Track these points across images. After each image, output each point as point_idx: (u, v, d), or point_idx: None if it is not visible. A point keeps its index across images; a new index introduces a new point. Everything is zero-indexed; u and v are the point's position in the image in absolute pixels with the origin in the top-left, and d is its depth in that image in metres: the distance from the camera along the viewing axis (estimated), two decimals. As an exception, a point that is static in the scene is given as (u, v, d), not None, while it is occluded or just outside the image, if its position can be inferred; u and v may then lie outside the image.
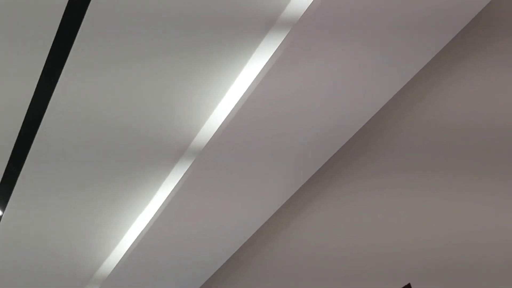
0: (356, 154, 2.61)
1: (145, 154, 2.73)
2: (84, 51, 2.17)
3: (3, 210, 2.83)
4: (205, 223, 3.07)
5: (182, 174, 2.74)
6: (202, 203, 2.89)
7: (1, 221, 2.91)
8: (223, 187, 2.80)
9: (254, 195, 2.93)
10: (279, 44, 2.16)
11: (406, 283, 2.16)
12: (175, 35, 2.19)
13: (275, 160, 2.71)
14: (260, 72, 2.24)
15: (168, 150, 2.73)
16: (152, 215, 2.99)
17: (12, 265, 3.35)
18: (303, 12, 2.04)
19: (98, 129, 2.53)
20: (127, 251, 3.21)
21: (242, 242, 3.35)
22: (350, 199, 2.58)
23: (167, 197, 2.86)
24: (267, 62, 2.21)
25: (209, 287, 3.69)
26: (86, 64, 2.23)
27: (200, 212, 2.96)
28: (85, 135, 2.54)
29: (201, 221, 3.04)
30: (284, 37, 2.13)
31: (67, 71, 2.23)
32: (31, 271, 3.44)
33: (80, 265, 3.46)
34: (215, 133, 2.49)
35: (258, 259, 3.21)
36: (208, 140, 2.54)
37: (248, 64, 2.36)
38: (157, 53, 2.25)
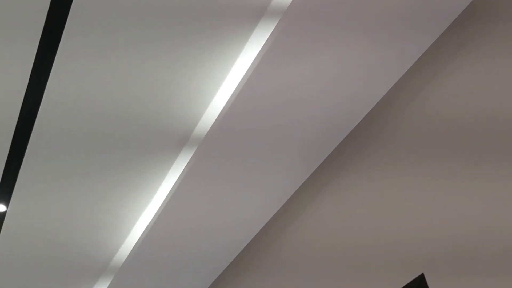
0: (366, 142, 2.56)
1: (150, 144, 2.71)
2: (76, 41, 2.14)
3: (7, 206, 2.84)
4: (214, 214, 3.04)
5: (186, 163, 2.71)
6: (207, 192, 2.86)
7: (6, 215, 2.92)
8: (228, 176, 2.77)
9: (262, 184, 2.89)
10: (271, 31, 2.14)
11: (419, 273, 2.15)
12: (173, 24, 2.15)
13: (279, 149, 2.66)
14: (255, 59, 2.22)
15: (171, 139, 2.70)
16: (159, 205, 2.98)
17: (24, 259, 3.38)
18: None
19: (97, 120, 2.51)
20: (136, 243, 3.20)
21: (252, 236, 3.34)
22: (361, 189, 2.55)
23: (172, 187, 2.84)
24: (260, 50, 2.19)
25: (223, 279, 3.68)
26: (80, 54, 2.20)
27: (206, 201, 2.93)
28: (84, 127, 2.53)
29: (210, 211, 3.01)
30: (275, 24, 2.10)
31: (61, 61, 2.20)
32: (45, 264, 3.47)
33: (90, 257, 3.47)
34: (215, 121, 2.46)
35: (271, 251, 3.18)
36: (209, 128, 2.51)
37: (243, 51, 2.32)
38: (155, 42, 2.21)
